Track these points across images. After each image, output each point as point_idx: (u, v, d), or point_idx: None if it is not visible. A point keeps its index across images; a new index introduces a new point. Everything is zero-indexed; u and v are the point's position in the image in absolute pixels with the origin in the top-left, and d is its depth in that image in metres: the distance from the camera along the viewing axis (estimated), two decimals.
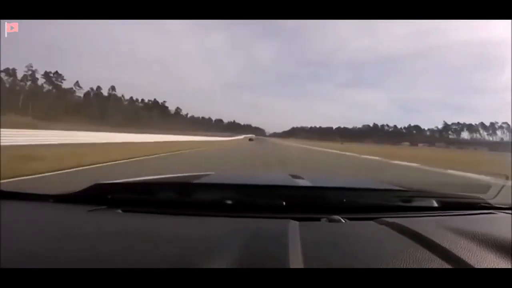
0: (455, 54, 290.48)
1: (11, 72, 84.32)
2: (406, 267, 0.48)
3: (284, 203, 0.81)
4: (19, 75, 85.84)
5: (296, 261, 0.48)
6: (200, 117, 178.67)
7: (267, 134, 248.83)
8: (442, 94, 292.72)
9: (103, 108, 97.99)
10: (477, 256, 0.52)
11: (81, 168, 6.29)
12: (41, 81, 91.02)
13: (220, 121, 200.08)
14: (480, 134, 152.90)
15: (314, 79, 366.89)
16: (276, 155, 15.94)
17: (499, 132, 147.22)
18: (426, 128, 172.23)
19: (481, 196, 1.03)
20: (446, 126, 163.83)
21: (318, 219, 0.74)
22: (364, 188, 1.12)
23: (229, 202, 0.81)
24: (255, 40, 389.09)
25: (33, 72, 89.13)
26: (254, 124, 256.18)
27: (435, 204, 0.92)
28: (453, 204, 0.95)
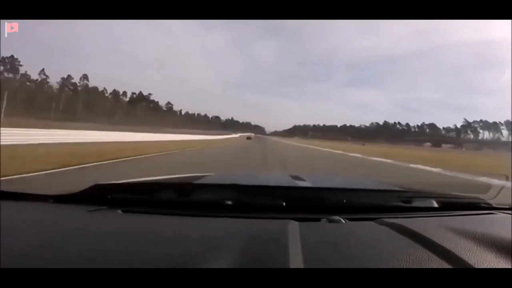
0: (456, 54, 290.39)
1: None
2: (406, 267, 0.48)
3: (284, 203, 0.81)
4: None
5: (296, 262, 0.48)
6: (196, 114, 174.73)
7: (267, 132, 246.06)
8: (446, 93, 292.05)
9: (75, 101, 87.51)
10: (477, 256, 0.52)
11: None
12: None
13: (218, 118, 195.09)
14: (501, 134, 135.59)
15: (314, 78, 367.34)
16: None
17: None
18: (442, 127, 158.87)
19: (481, 196, 1.03)
20: (466, 125, 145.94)
21: (318, 220, 0.74)
22: (364, 189, 1.12)
23: (229, 202, 0.81)
24: (255, 39, 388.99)
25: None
26: (253, 122, 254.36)
27: (435, 204, 0.92)
28: (453, 204, 0.95)
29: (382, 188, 1.18)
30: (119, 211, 0.76)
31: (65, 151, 8.92)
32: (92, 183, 0.84)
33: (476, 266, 0.48)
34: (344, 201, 0.87)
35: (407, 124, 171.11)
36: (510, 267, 0.49)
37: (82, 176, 5.79)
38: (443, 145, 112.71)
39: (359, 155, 20.23)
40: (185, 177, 1.25)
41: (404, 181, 7.45)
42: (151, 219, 0.74)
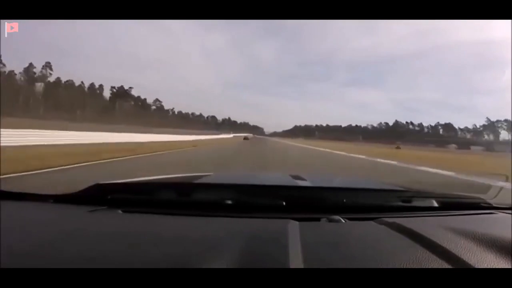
0: (456, 54, 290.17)
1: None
2: (406, 267, 0.48)
3: (284, 203, 0.81)
4: None
5: (296, 261, 0.48)
6: (190, 113, 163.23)
7: (266, 133, 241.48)
8: (446, 93, 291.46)
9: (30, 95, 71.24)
10: (477, 256, 0.52)
11: None
12: None
13: (214, 118, 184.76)
14: None
15: (314, 78, 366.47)
16: None
17: None
18: (458, 127, 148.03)
19: (481, 196, 1.03)
20: (488, 125, 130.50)
21: (318, 219, 0.74)
22: (364, 188, 1.12)
23: (229, 202, 0.81)
24: (255, 39, 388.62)
25: None
26: (252, 122, 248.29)
27: (435, 204, 0.92)
28: (453, 204, 0.95)
29: (382, 188, 1.18)
30: (119, 211, 0.76)
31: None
32: (92, 183, 0.84)
33: (476, 266, 0.48)
34: (344, 200, 0.87)
35: (420, 124, 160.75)
36: (510, 267, 0.49)
37: None
38: (472, 147, 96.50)
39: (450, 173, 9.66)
40: (185, 177, 1.25)
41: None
42: (151, 219, 0.74)
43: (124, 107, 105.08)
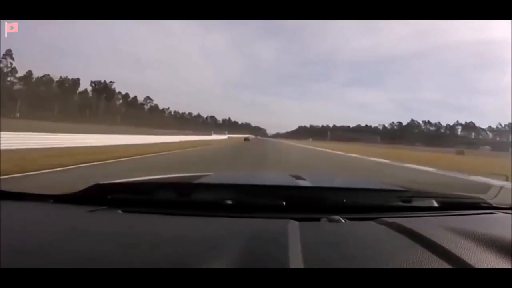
0: (456, 54, 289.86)
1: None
2: (406, 267, 0.48)
3: (284, 203, 0.81)
4: None
5: (296, 261, 0.48)
6: (187, 112, 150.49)
7: (269, 134, 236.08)
8: (446, 93, 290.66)
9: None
10: (477, 256, 0.52)
11: None
12: None
13: (213, 118, 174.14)
14: None
15: (316, 78, 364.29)
16: None
17: None
18: (481, 127, 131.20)
19: (481, 196, 1.03)
20: None
21: (318, 219, 0.74)
22: (364, 188, 1.12)
23: (229, 202, 0.81)
24: (255, 39, 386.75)
25: None
26: (254, 123, 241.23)
27: (435, 204, 0.92)
28: (453, 204, 0.95)
29: (382, 188, 1.18)
30: (119, 211, 0.76)
31: None
32: (92, 183, 0.84)
33: (476, 266, 0.48)
34: (344, 200, 0.87)
35: (437, 124, 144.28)
36: (510, 267, 0.49)
37: None
38: None
39: None
40: (185, 177, 1.25)
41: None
42: (151, 219, 0.74)
43: (106, 104, 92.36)
